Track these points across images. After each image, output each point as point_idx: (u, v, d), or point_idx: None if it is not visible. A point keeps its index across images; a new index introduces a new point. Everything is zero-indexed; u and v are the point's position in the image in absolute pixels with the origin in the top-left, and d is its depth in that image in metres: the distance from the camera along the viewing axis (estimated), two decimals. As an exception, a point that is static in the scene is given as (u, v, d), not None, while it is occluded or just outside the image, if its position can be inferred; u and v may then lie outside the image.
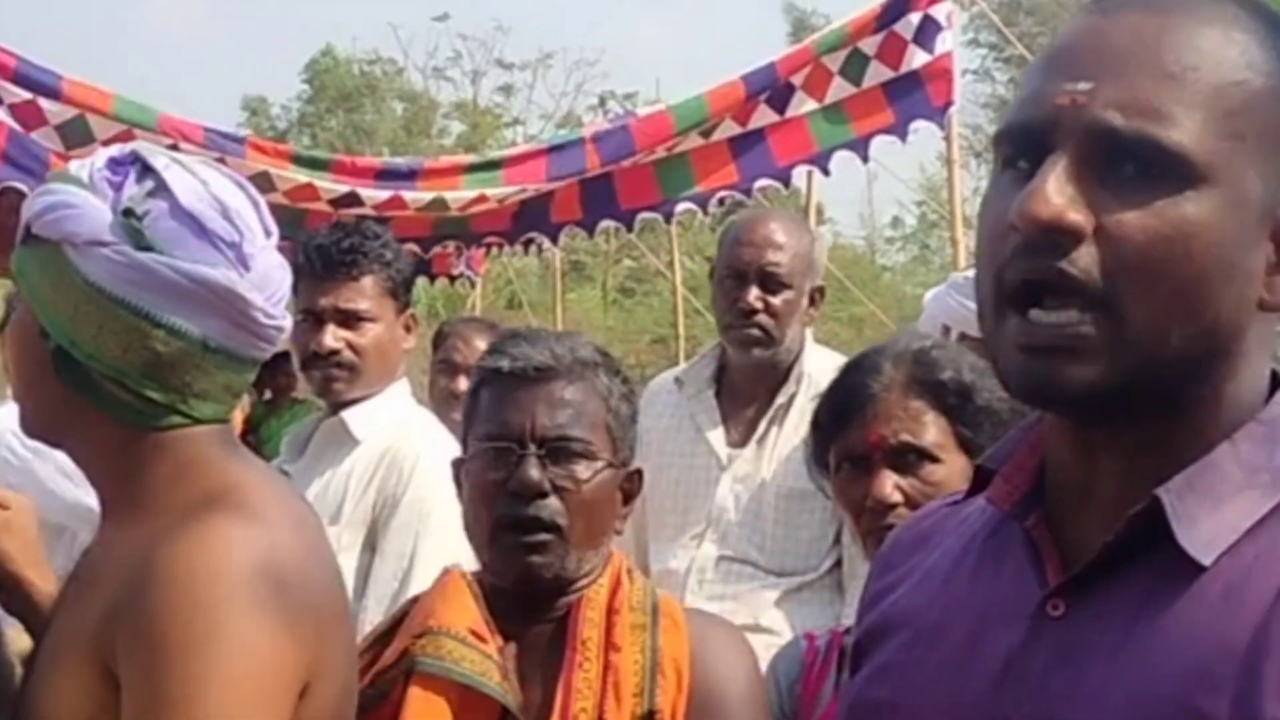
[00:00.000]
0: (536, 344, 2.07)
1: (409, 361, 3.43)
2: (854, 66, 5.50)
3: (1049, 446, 1.18)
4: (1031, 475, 1.19)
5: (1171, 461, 1.11)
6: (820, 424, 2.16)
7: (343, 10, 59.80)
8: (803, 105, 5.49)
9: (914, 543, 1.32)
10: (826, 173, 5.75)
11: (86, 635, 1.50)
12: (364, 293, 3.15)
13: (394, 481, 3.06)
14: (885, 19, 5.48)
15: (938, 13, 5.46)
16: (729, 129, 5.52)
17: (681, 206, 5.60)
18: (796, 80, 5.48)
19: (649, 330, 23.97)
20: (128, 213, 1.53)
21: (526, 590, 2.01)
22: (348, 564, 2.93)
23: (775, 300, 3.50)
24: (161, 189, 1.55)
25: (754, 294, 3.48)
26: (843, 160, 5.73)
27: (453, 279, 7.12)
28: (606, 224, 5.70)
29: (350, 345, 3.12)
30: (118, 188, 1.56)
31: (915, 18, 5.44)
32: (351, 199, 5.15)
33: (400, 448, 3.09)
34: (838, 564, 3.42)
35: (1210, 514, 1.09)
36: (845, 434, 2.09)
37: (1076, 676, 1.10)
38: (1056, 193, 1.06)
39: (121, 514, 1.58)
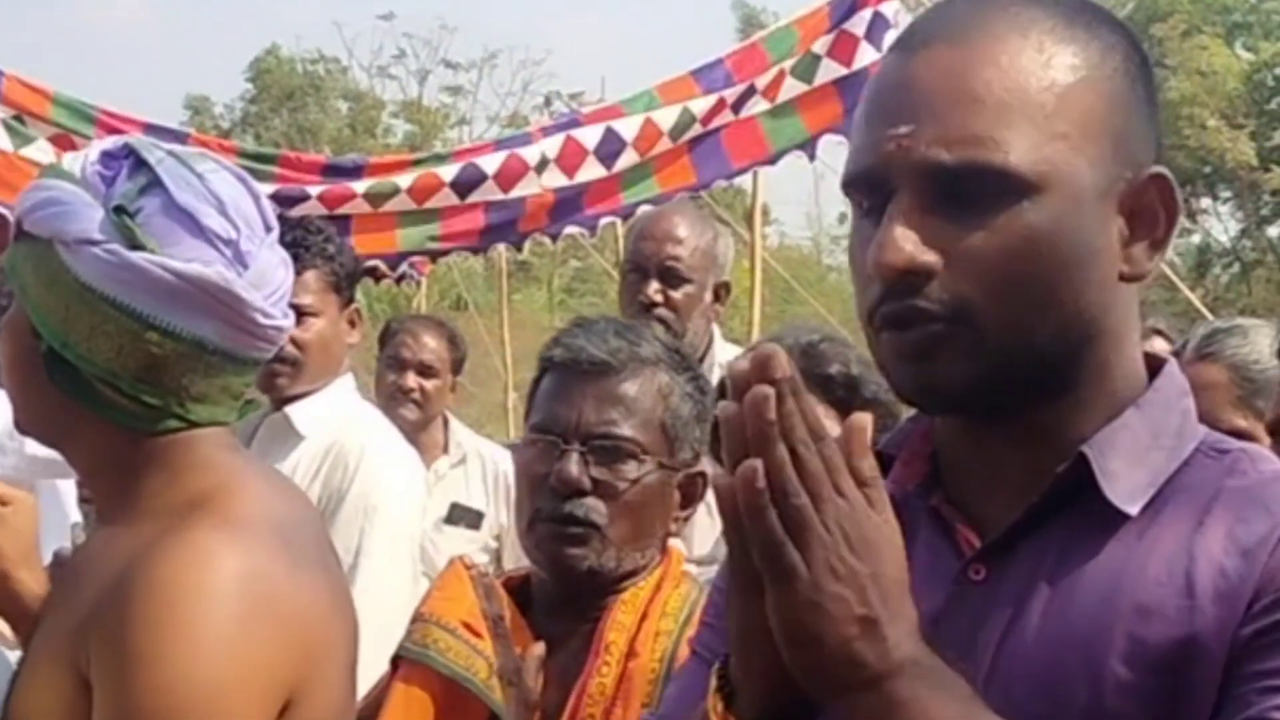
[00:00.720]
0: (595, 336, 2.02)
1: (353, 359, 3.41)
2: (805, 66, 5.52)
3: (941, 440, 1.25)
4: (927, 461, 1.25)
5: (1071, 439, 1.18)
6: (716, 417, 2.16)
7: (287, 8, 59.52)
8: (756, 105, 5.51)
9: None
10: (772, 162, 5.77)
11: (65, 638, 1.48)
12: (306, 287, 3.12)
13: (339, 477, 3.04)
14: (835, 17, 5.50)
15: (886, 10, 5.48)
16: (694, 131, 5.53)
17: (642, 210, 5.61)
18: (759, 83, 5.50)
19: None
20: (119, 210, 1.48)
21: (562, 583, 1.98)
22: None
23: (675, 294, 3.54)
24: (155, 184, 1.49)
25: (654, 288, 3.53)
26: (789, 160, 5.74)
27: (399, 280, 7.10)
28: (571, 230, 5.68)
29: (292, 340, 3.08)
30: (110, 183, 1.50)
31: (866, 14, 5.46)
32: (300, 197, 5.12)
33: (344, 443, 3.08)
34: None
35: (1127, 471, 1.16)
36: None
37: (1007, 630, 1.15)
38: (902, 238, 1.13)
39: (114, 517, 1.55)
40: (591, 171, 5.52)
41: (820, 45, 5.50)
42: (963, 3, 1.20)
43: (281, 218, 3.19)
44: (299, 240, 3.10)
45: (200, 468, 1.52)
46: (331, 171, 5.40)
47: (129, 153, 1.53)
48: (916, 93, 1.15)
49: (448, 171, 5.41)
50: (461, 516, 4.72)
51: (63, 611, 1.53)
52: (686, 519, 2.07)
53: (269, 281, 1.54)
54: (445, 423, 4.89)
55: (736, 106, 5.50)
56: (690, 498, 2.06)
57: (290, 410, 3.15)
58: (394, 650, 2.00)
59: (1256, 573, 1.10)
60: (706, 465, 2.08)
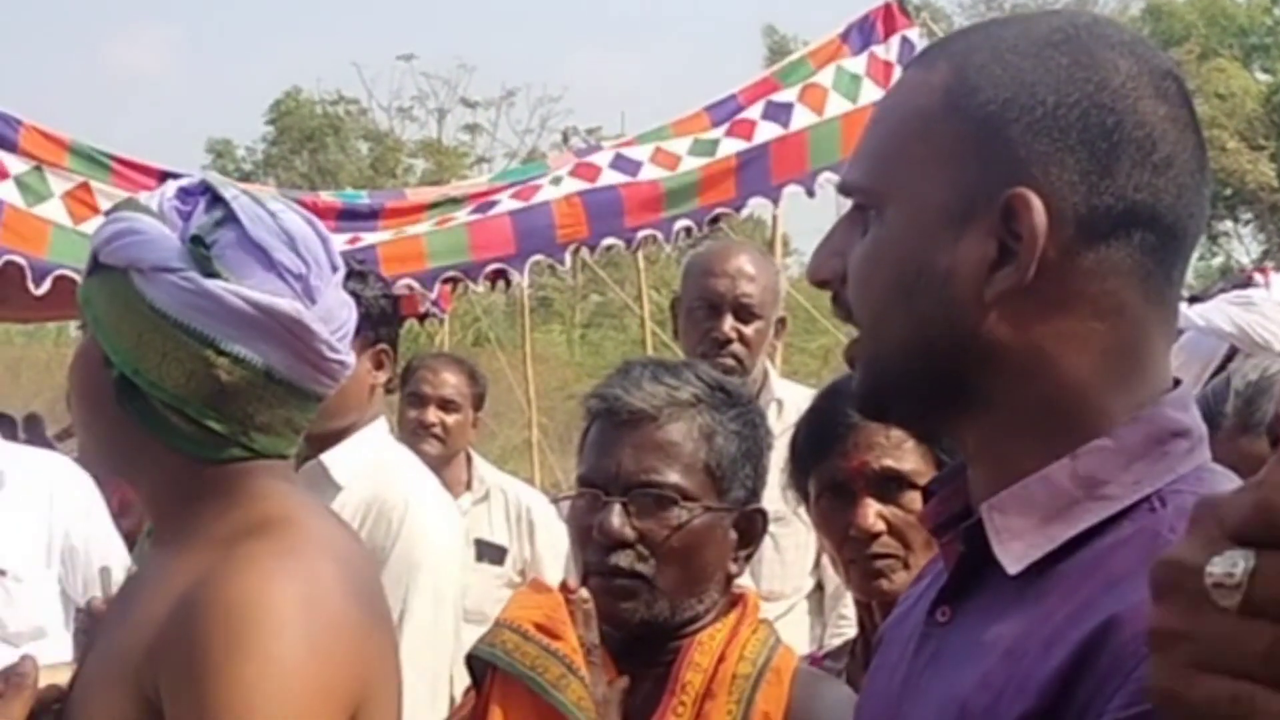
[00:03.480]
0: (631, 384, 2.00)
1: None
2: (848, 84, 5.52)
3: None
4: (964, 495, 1.23)
5: (1014, 470, 1.14)
6: (798, 452, 2.14)
7: (308, 51, 59.88)
8: (804, 118, 5.50)
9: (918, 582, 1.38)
10: (811, 194, 5.77)
11: (128, 664, 1.49)
12: None
13: (383, 533, 2.98)
14: (854, 46, 5.51)
15: (911, 35, 5.50)
16: (736, 145, 5.52)
17: (679, 224, 5.58)
18: (791, 96, 5.49)
19: (616, 365, 23.91)
20: (195, 240, 1.53)
21: (620, 634, 1.97)
22: None
23: (748, 330, 3.55)
24: (230, 219, 1.54)
25: (729, 324, 3.54)
26: (796, 193, 5.74)
27: (421, 318, 7.11)
28: (610, 241, 5.62)
29: None
30: (186, 217, 1.55)
31: (895, 40, 5.48)
32: None
33: (386, 497, 3.02)
34: (818, 587, 3.43)
35: (1032, 528, 1.12)
36: (825, 462, 2.07)
37: (944, 680, 1.14)
38: (819, 251, 1.23)
39: (171, 543, 1.57)
40: (615, 177, 5.50)
41: (855, 65, 5.50)
42: (962, 31, 1.23)
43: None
44: None
45: (261, 497, 1.56)
46: (347, 216, 5.42)
47: (205, 189, 1.58)
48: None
49: (463, 213, 5.42)
50: (485, 552, 4.73)
51: (119, 635, 1.54)
52: (748, 558, 2.03)
53: (335, 318, 1.59)
54: (468, 459, 4.91)
55: (782, 118, 5.48)
56: (749, 537, 2.02)
57: (326, 459, 3.09)
58: (464, 656, 2.01)
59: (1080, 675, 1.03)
60: (772, 502, 2.05)
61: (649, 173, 5.55)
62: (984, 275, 1.12)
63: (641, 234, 5.57)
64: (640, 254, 8.06)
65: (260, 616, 1.43)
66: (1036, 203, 1.10)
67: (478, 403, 4.93)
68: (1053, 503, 1.12)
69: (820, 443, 2.08)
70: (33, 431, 12.74)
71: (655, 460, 1.95)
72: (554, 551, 4.47)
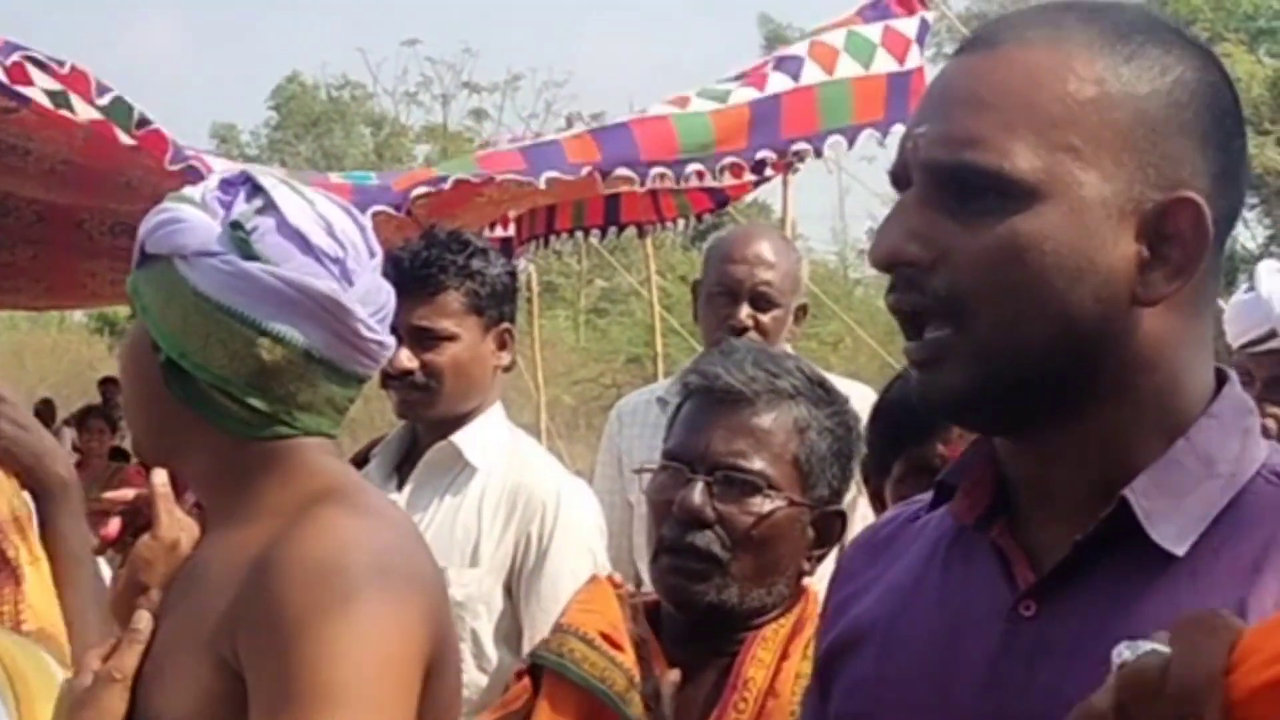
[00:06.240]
0: (733, 364, 1.97)
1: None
2: (860, 47, 5.48)
3: (1003, 459, 1.23)
4: (991, 488, 1.23)
5: (1117, 461, 1.15)
6: (892, 429, 2.12)
7: (313, 36, 59.85)
8: (814, 75, 5.46)
9: (873, 552, 1.34)
10: (819, 154, 5.73)
11: (202, 634, 1.54)
12: (442, 310, 2.98)
13: (538, 522, 2.93)
14: (868, 17, 5.49)
15: (929, 16, 5.49)
16: (748, 94, 5.47)
17: (692, 167, 5.53)
18: (801, 51, 5.44)
19: (623, 350, 23.94)
20: (235, 225, 1.59)
21: (685, 616, 1.95)
22: (492, 608, 2.91)
23: (765, 318, 3.53)
24: (270, 206, 1.60)
25: (745, 312, 3.51)
26: (816, 173, 5.73)
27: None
28: (623, 172, 5.53)
29: (425, 365, 2.97)
30: (228, 206, 1.61)
31: (915, 19, 5.45)
32: None
33: (534, 487, 2.97)
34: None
35: (1176, 508, 1.13)
36: (922, 447, 2.06)
37: (1063, 670, 1.12)
38: (889, 231, 1.15)
39: (229, 521, 1.62)
40: (628, 115, 5.43)
41: (870, 32, 5.46)
42: (1027, 11, 1.19)
43: (425, 233, 3.08)
44: (434, 260, 2.98)
45: (313, 471, 1.61)
46: (360, 195, 5.39)
47: (246, 179, 1.64)
48: (938, 95, 1.18)
49: (473, 173, 5.39)
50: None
51: (186, 611, 1.60)
52: (821, 558, 2.01)
53: (372, 301, 1.63)
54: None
55: (793, 71, 5.44)
56: (826, 537, 1.99)
57: (458, 440, 3.02)
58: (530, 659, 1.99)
59: None
60: (854, 504, 2.04)
61: (658, 109, 5.53)
62: (1135, 275, 1.13)
63: (655, 171, 5.46)
64: (648, 239, 8.06)
65: (339, 576, 1.47)
66: (1204, 209, 1.13)
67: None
68: (1184, 483, 1.14)
69: (921, 424, 2.05)
70: (44, 418, 12.82)
71: (745, 444, 1.94)
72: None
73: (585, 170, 5.23)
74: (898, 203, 1.17)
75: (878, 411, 2.16)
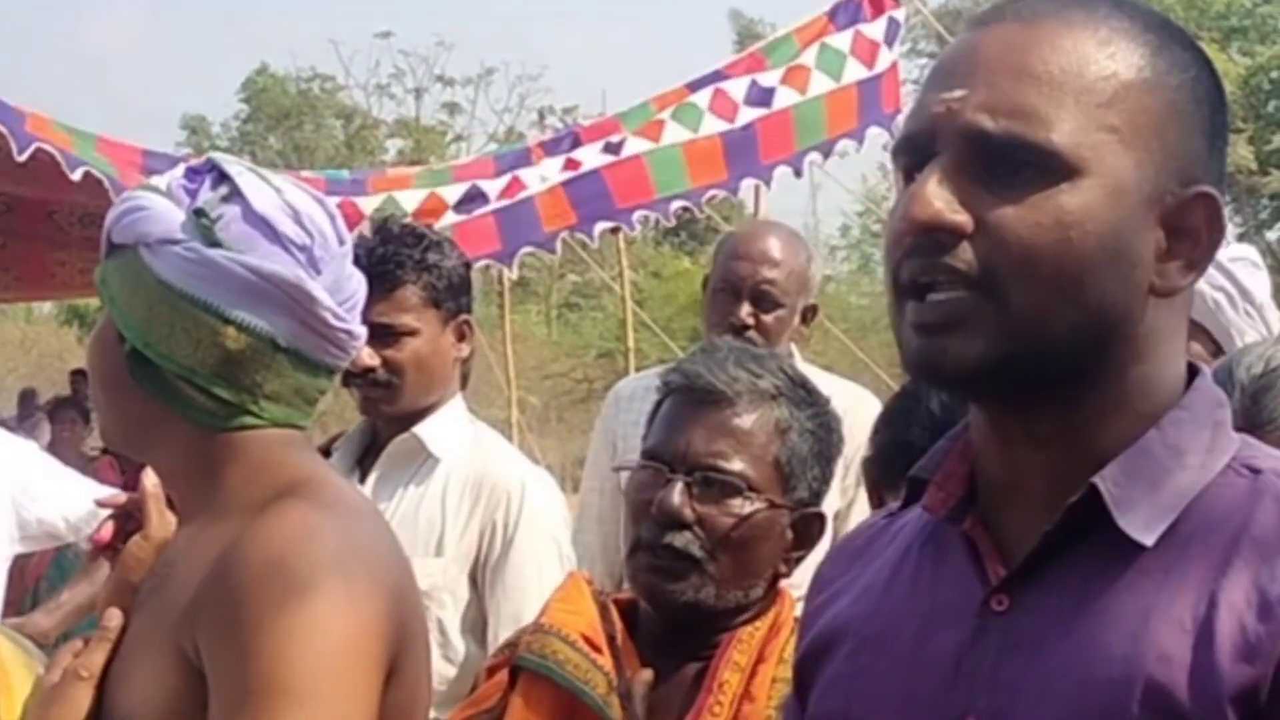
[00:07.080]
0: (715, 364, 1.95)
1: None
2: (830, 60, 5.49)
3: (976, 450, 1.22)
4: (964, 481, 1.22)
5: (1090, 450, 1.15)
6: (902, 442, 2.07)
7: (284, 27, 59.64)
8: (789, 97, 5.46)
9: (850, 558, 1.34)
10: (799, 174, 5.75)
11: (165, 630, 1.53)
12: (400, 305, 2.96)
13: (502, 512, 2.92)
14: (840, 23, 5.50)
15: (898, 15, 5.49)
16: (718, 125, 5.47)
17: (676, 204, 5.52)
18: (774, 80, 5.46)
19: (595, 345, 23.93)
20: (199, 212, 1.57)
21: (661, 614, 1.93)
22: (458, 598, 2.89)
23: (767, 318, 3.46)
24: (235, 194, 1.58)
25: (746, 310, 3.45)
26: (787, 170, 5.73)
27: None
28: (604, 226, 5.54)
29: (387, 362, 2.95)
30: (193, 194, 1.59)
31: (882, 20, 5.46)
32: None
33: (498, 477, 2.95)
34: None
35: (1146, 497, 1.13)
36: None
37: (1027, 666, 1.12)
38: (934, 195, 1.12)
39: (198, 516, 1.61)
40: (601, 159, 5.43)
41: (840, 41, 5.47)
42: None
43: (378, 229, 3.07)
44: (390, 255, 2.96)
45: (281, 465, 1.59)
46: (334, 191, 5.38)
47: (211, 167, 1.62)
48: (975, 61, 1.15)
49: (451, 192, 5.38)
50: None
51: (153, 608, 1.59)
52: (799, 560, 1.98)
53: (341, 289, 1.61)
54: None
55: (765, 100, 5.45)
56: (805, 539, 1.98)
57: (420, 431, 3.00)
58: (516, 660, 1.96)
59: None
60: (832, 506, 2.02)
61: (633, 147, 5.51)
62: (1154, 265, 1.14)
63: (638, 215, 5.50)
64: (620, 234, 8.04)
65: (299, 570, 1.45)
66: (1221, 206, 1.15)
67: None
68: (1153, 472, 1.14)
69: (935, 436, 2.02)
70: (26, 405, 12.78)
71: (725, 445, 1.92)
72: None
73: (562, 237, 5.25)
74: (932, 168, 1.13)
75: (887, 421, 2.13)
